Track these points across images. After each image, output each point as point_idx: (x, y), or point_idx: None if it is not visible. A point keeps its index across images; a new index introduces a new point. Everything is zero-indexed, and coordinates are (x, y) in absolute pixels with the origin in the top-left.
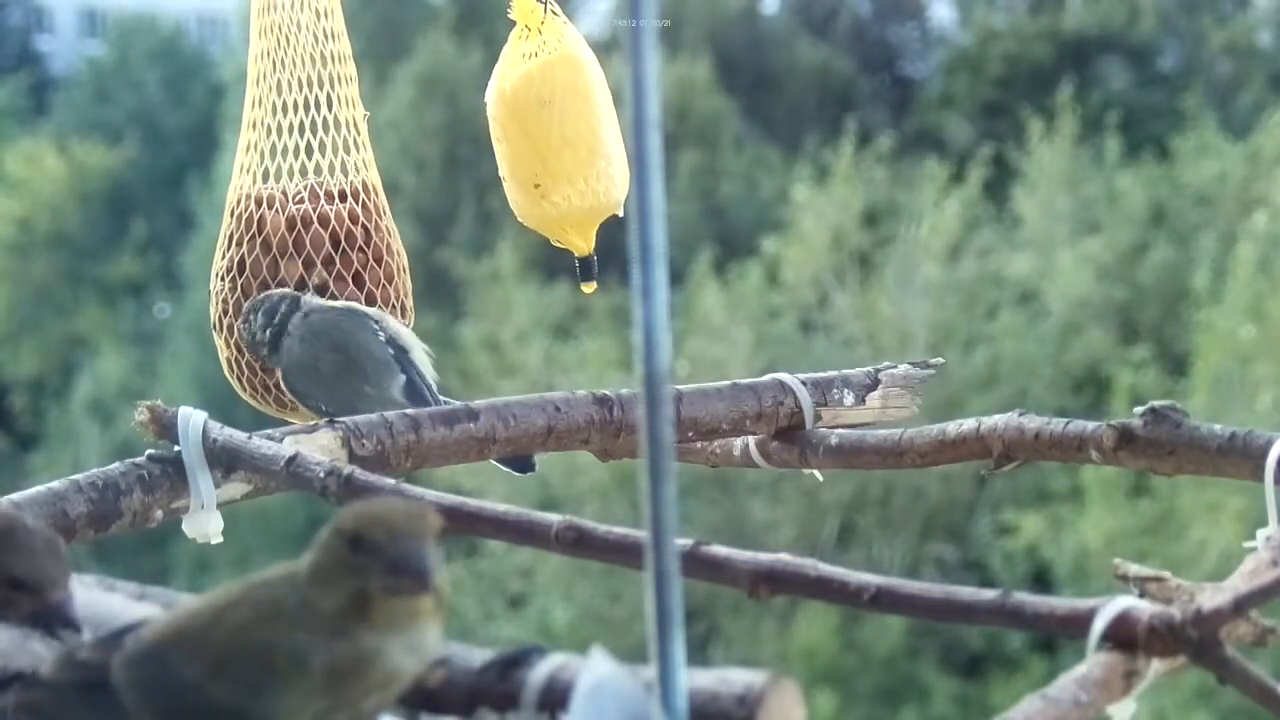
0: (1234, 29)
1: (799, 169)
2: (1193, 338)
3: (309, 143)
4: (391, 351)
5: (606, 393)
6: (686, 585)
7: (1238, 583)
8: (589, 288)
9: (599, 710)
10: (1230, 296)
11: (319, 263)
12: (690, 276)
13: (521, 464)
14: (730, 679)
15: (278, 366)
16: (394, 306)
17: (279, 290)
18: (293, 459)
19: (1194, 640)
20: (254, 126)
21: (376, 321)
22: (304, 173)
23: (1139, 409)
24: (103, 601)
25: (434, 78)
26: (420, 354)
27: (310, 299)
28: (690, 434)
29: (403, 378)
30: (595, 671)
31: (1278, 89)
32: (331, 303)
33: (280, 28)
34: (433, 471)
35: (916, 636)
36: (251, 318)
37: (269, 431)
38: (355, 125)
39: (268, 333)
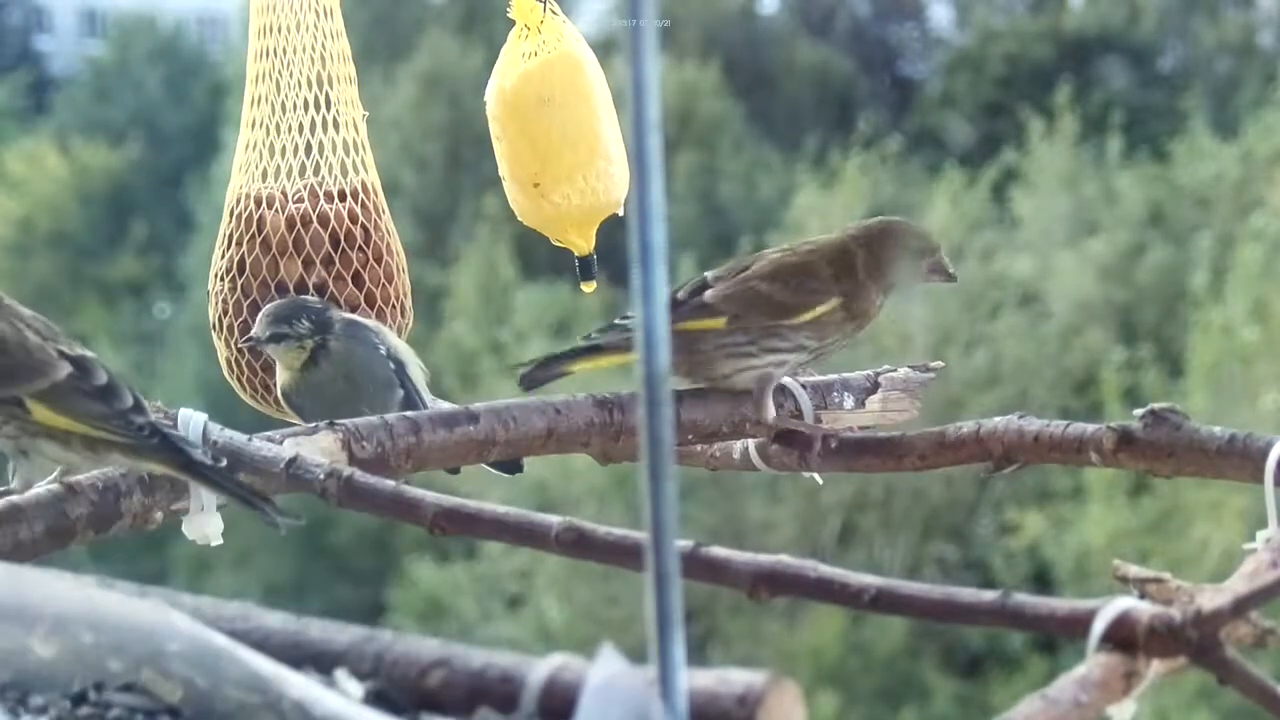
0: (1234, 29)
1: (803, 171)
2: (1191, 338)
3: (309, 143)
4: (393, 366)
5: (606, 395)
6: (685, 585)
7: (1238, 584)
8: (589, 287)
9: (606, 708)
10: (1230, 297)
11: (318, 262)
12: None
13: (510, 465)
14: (730, 679)
15: (287, 391)
16: (393, 306)
17: (303, 307)
18: (293, 461)
19: (1194, 641)
20: (254, 126)
21: (378, 335)
22: (303, 172)
23: (1139, 411)
24: (99, 601)
25: (436, 77)
26: (415, 369)
27: (331, 317)
28: (690, 436)
29: (401, 393)
30: (604, 670)
31: (1273, 88)
32: (341, 316)
33: (280, 28)
34: (432, 474)
35: (917, 637)
36: (282, 328)
37: (269, 433)
38: (355, 125)
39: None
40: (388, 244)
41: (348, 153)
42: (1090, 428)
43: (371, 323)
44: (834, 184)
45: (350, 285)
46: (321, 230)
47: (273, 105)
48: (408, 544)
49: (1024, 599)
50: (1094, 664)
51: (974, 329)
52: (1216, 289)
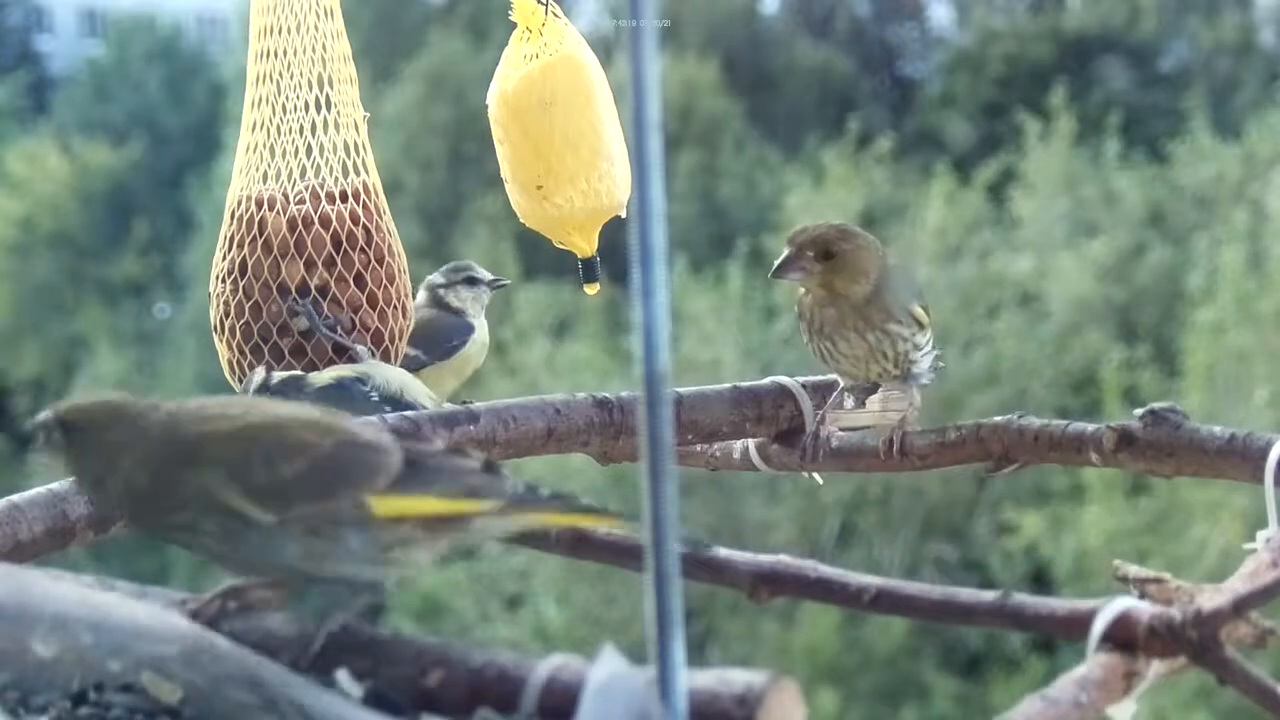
0: (1234, 29)
1: (796, 170)
2: (1188, 338)
3: (309, 144)
4: (388, 410)
5: (607, 395)
6: (684, 585)
7: (1237, 584)
8: (592, 289)
9: (607, 707)
10: (1222, 296)
11: (320, 264)
12: (672, 279)
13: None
14: (730, 679)
15: None
16: (394, 307)
17: (272, 375)
18: None
19: (1194, 641)
20: (254, 128)
21: (365, 384)
22: (304, 174)
23: (1139, 411)
24: (99, 601)
25: (439, 76)
26: (417, 391)
27: (304, 380)
28: (690, 436)
29: None
30: (606, 669)
31: (1274, 89)
32: (322, 377)
33: (281, 29)
34: None
35: (917, 636)
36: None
37: None
38: (356, 126)
39: None
40: (389, 245)
41: (349, 154)
42: (1090, 427)
43: (358, 370)
44: (823, 184)
45: (352, 287)
46: (323, 232)
47: (274, 106)
48: None
49: (1024, 599)
50: (1094, 664)
51: (973, 329)
52: (1211, 289)
